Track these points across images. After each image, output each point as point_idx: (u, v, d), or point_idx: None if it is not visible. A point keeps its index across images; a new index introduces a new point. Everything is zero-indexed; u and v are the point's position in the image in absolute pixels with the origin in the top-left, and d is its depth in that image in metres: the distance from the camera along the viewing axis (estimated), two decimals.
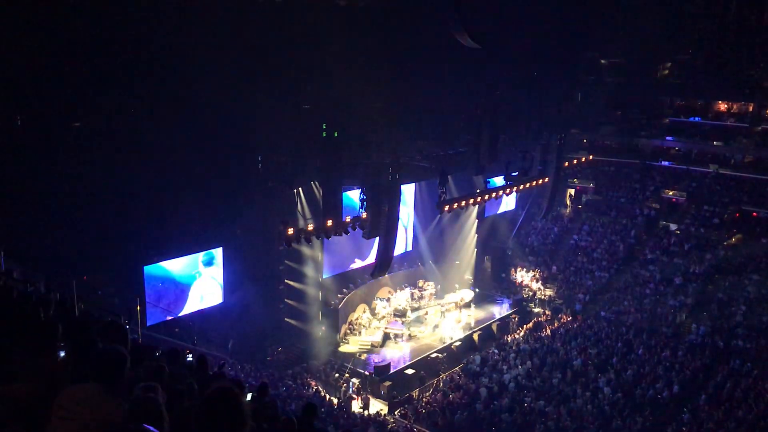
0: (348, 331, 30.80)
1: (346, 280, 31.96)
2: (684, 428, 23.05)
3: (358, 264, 32.09)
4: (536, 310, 35.51)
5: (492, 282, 38.76)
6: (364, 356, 28.85)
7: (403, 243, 33.31)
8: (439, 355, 29.17)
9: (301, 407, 9.29)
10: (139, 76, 19.82)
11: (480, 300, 35.92)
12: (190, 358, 9.24)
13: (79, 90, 19.12)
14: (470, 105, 28.06)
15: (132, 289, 22.51)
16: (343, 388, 26.68)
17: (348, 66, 21.90)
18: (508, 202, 39.56)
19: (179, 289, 24.81)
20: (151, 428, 2.86)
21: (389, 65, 24.58)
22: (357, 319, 31.35)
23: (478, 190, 30.06)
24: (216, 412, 3.00)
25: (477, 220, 38.48)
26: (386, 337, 30.30)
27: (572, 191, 42.44)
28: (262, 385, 10.05)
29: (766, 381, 25.35)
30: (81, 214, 19.96)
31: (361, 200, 23.05)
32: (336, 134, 21.34)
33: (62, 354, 4.85)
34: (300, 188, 27.47)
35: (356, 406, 25.75)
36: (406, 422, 24.72)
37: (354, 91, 23.04)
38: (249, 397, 8.82)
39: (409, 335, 30.74)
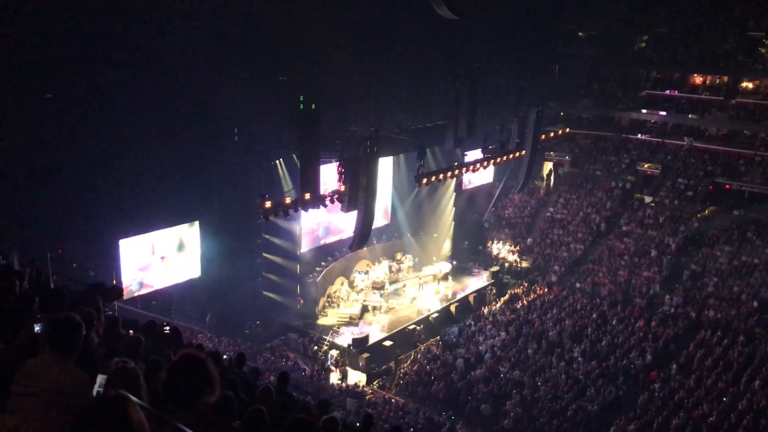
0: (326, 304, 30.90)
1: (324, 253, 31.98)
2: (656, 395, 23.58)
3: (336, 237, 32.12)
4: (512, 282, 35.86)
5: (469, 254, 39.01)
6: (342, 328, 29.01)
7: (381, 216, 33.35)
8: (417, 327, 29.39)
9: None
10: (115, 48, 19.50)
11: (457, 272, 36.15)
12: (167, 330, 9.26)
13: (51, 61, 18.77)
14: (448, 78, 27.99)
15: (108, 262, 22.41)
16: (322, 361, 26.86)
17: (326, 38, 21.74)
18: (486, 176, 39.67)
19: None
20: (131, 396, 2.89)
21: (367, 37, 24.43)
22: (335, 291, 31.44)
23: (456, 163, 30.13)
24: (182, 377, 3.03)
25: (455, 193, 38.62)
26: (364, 309, 30.46)
27: (550, 164, 42.72)
28: (239, 355, 10.12)
29: (735, 351, 25.94)
30: (55, 187, 19.73)
31: (339, 173, 23.00)
32: (314, 107, 21.18)
33: (37, 327, 4.83)
34: (279, 160, 27.37)
35: (335, 377, 25.96)
36: (384, 393, 25.00)
37: (332, 64, 22.88)
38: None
39: (388, 307, 30.90)
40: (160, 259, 24.85)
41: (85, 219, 20.80)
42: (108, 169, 21.07)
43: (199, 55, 20.83)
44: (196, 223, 25.77)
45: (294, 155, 26.95)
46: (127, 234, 23.38)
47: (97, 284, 7.85)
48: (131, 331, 8.02)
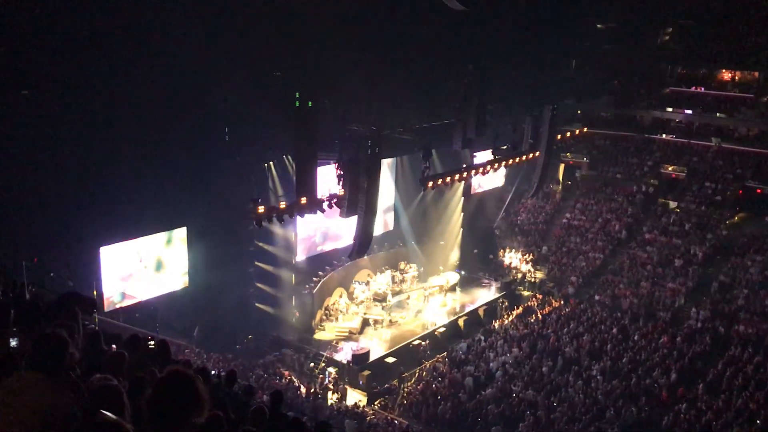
0: (324, 317, 30.90)
1: (321, 261, 31.96)
2: (682, 416, 23.49)
3: (334, 244, 32.10)
4: (526, 293, 35.85)
5: (479, 264, 38.97)
6: (341, 344, 28.98)
7: (383, 222, 33.35)
8: (422, 342, 29.37)
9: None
10: (97, 41, 19.49)
11: (466, 283, 36.15)
12: (152, 344, 9.26)
13: (27, 56, 18.78)
14: (456, 73, 27.97)
15: (88, 271, 22.39)
16: (319, 379, 26.83)
17: (324, 29, 21.73)
18: (496, 179, 39.69)
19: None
20: (112, 415, 2.88)
21: (368, 29, 24.42)
22: (333, 303, 31.42)
23: (464, 165, 30.12)
24: (169, 395, 3.03)
25: (463, 198, 38.62)
26: (365, 323, 30.44)
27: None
28: (229, 372, 10.12)
29: None
30: (31, 191, 19.70)
31: (338, 176, 23.02)
32: (310, 104, 21.22)
33: (14, 342, 4.84)
34: (270, 163, 27.44)
35: (333, 397, 25.92)
36: (387, 414, 24.95)
37: (330, 57, 22.86)
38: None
39: (390, 321, 30.89)
40: (143, 268, 24.85)
41: (63, 225, 20.74)
42: (88, 172, 21.03)
43: (187, 49, 20.80)
44: (184, 229, 25.77)
45: (287, 157, 27.02)
46: (109, 241, 23.37)
47: (69, 293, 7.81)
48: (113, 346, 8.02)
